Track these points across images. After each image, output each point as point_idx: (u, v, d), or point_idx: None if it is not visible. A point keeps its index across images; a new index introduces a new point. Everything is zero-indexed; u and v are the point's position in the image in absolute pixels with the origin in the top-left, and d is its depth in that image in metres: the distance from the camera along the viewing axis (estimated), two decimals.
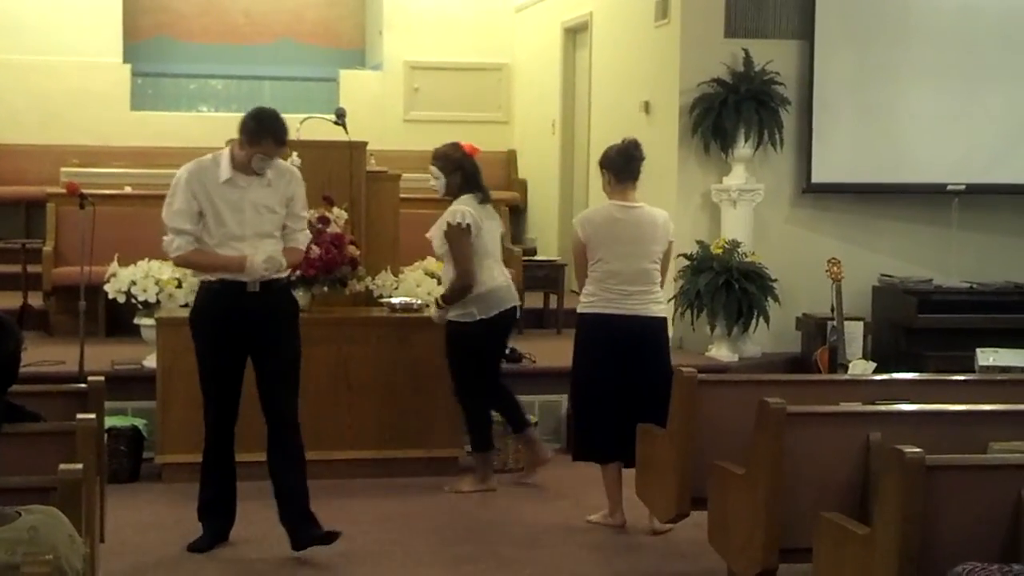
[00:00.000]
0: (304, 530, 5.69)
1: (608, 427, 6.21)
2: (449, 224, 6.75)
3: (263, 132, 5.64)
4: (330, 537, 5.68)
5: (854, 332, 8.43)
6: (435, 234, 6.85)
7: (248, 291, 5.67)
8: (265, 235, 5.71)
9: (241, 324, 5.69)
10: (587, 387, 6.33)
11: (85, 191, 7.37)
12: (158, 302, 7.51)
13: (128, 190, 9.89)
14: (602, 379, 6.23)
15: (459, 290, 6.78)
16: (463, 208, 6.79)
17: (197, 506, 5.90)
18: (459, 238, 6.74)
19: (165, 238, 5.74)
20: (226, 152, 5.77)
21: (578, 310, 6.43)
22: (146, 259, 7.64)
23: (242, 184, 5.69)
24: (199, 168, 5.74)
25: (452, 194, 6.90)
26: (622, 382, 6.20)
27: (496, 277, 6.88)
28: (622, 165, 6.34)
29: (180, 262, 6.03)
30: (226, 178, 5.68)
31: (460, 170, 6.95)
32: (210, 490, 5.88)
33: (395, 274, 7.85)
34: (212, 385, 5.78)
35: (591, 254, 6.28)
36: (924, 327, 8.73)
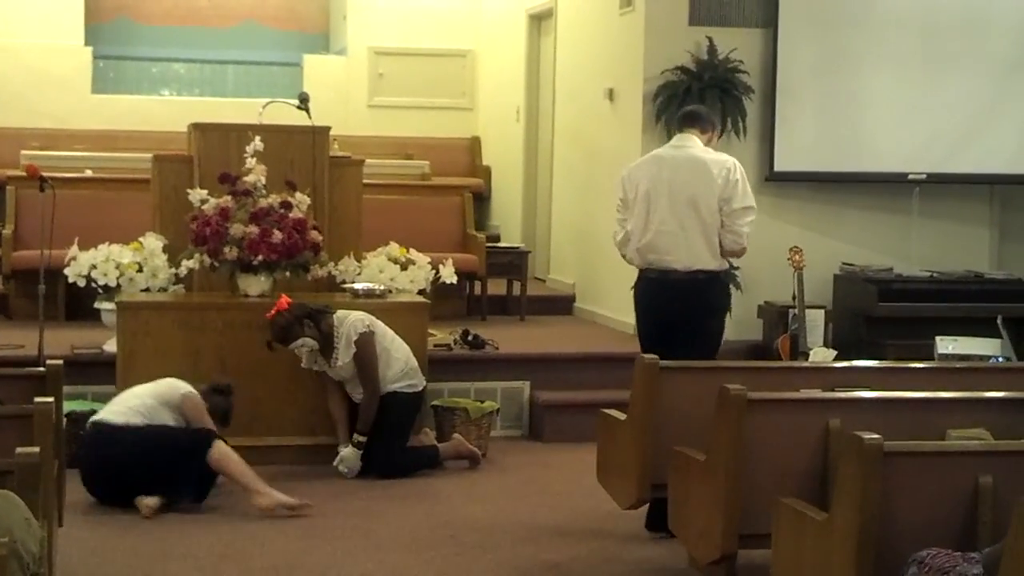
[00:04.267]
0: None
1: None
2: None
3: None
4: None
5: (815, 320, 8.47)
6: None
7: None
8: None
9: None
10: None
11: (45, 174, 7.31)
12: (118, 286, 7.45)
13: (89, 173, 9.82)
14: None
15: None
16: None
17: None
18: None
19: (749, 222, 6.17)
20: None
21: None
22: (107, 243, 7.59)
23: None
24: None
25: None
26: None
27: None
28: None
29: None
30: None
31: None
32: None
33: (358, 260, 7.84)
34: None
35: None
36: (884, 315, 8.78)
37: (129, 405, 6.32)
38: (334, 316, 6.87)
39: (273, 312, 6.77)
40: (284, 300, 6.82)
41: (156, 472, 6.11)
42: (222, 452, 6.14)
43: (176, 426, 6.32)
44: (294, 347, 6.79)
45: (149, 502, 6.05)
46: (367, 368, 6.83)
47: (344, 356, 6.82)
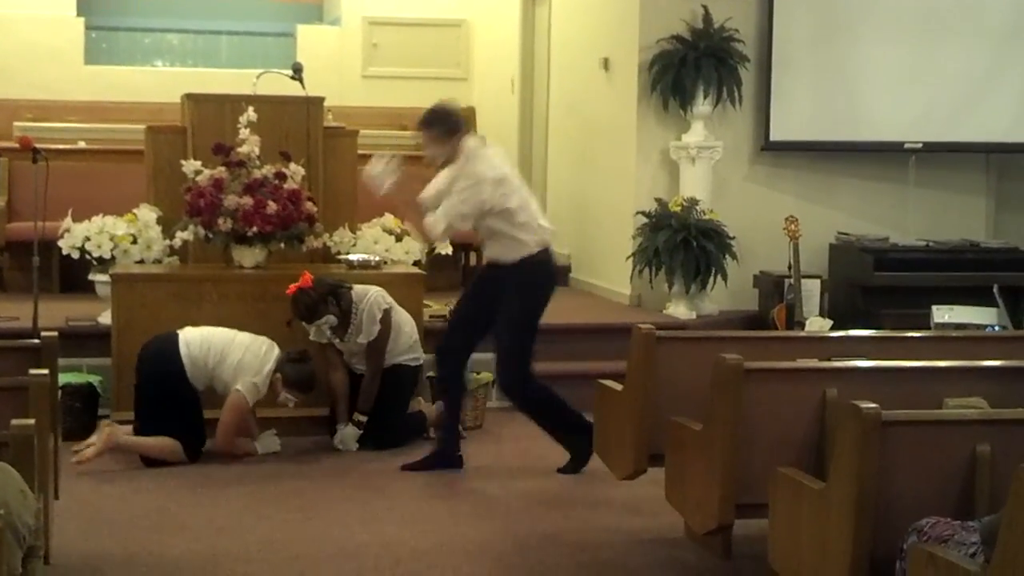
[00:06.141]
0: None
1: None
2: None
3: None
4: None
5: (811, 290, 8.46)
6: None
7: None
8: None
9: None
10: None
11: (38, 146, 7.28)
12: (113, 258, 7.44)
13: (82, 145, 9.80)
14: None
15: None
16: None
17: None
18: None
19: None
20: None
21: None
22: (101, 215, 7.57)
23: None
24: None
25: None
26: None
27: None
28: None
29: None
30: None
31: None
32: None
33: (353, 231, 7.82)
34: None
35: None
36: (880, 285, 8.78)
37: (218, 349, 6.53)
38: (352, 292, 6.84)
39: (295, 289, 6.72)
40: (307, 277, 6.75)
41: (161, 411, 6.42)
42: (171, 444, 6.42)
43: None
44: (316, 324, 6.77)
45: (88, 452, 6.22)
46: (379, 347, 6.81)
47: (368, 335, 6.78)
